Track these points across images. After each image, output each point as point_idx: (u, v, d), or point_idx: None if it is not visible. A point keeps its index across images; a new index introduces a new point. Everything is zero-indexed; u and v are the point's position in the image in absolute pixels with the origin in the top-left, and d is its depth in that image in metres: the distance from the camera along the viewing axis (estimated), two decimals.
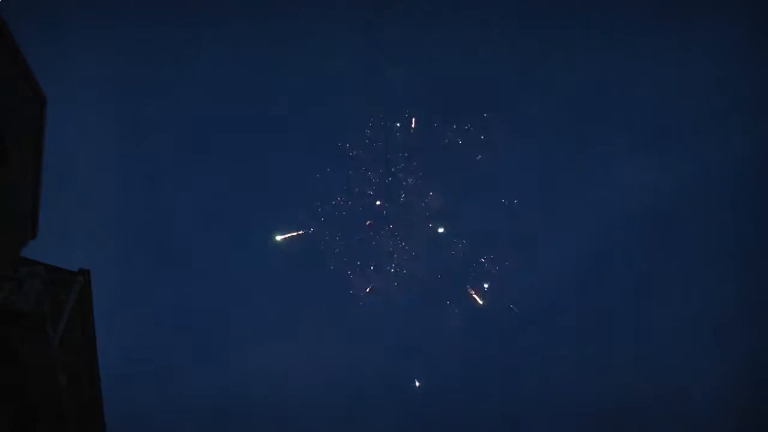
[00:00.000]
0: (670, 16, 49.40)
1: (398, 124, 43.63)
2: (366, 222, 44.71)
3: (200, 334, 54.60)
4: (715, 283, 52.21)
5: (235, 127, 54.70)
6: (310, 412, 52.99)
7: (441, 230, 45.33)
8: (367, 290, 45.23)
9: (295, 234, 45.47)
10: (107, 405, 15.25)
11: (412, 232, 45.77)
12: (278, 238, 47.09)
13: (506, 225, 51.95)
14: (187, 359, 53.30)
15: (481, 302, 45.54)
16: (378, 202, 44.54)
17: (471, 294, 45.54)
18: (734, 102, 50.37)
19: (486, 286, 45.76)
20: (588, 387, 52.07)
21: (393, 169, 44.90)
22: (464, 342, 54.97)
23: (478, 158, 45.34)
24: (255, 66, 53.50)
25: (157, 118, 53.49)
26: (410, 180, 44.61)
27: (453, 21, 50.55)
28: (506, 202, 50.90)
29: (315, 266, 48.91)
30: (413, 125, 42.80)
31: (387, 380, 53.97)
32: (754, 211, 51.28)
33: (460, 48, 51.59)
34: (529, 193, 54.44)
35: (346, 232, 45.07)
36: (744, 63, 49.36)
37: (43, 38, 40.23)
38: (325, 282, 50.00)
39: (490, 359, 56.04)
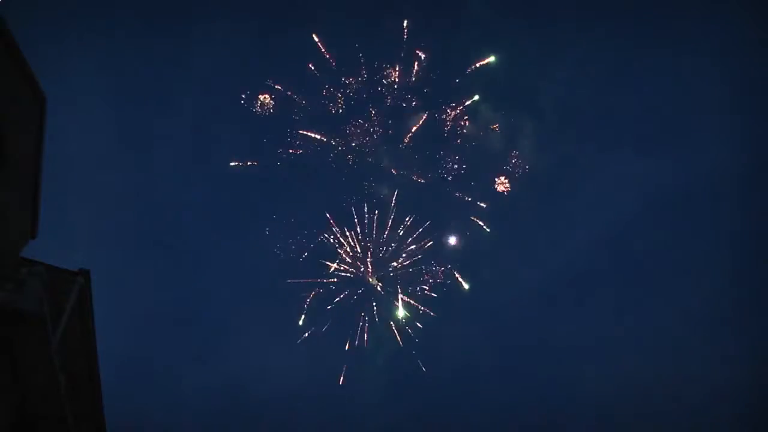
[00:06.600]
0: (673, 16, 49.38)
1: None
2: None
3: (200, 334, 54.63)
4: (718, 281, 52.05)
5: (234, 127, 54.58)
6: (309, 410, 53.09)
7: None
8: None
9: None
10: (107, 405, 15.25)
11: None
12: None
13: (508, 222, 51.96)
14: (187, 359, 53.33)
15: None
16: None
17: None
18: (735, 101, 50.31)
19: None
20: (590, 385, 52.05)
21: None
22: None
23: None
24: (252, 64, 53.34)
25: (157, 118, 53.46)
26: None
27: (455, 17, 50.25)
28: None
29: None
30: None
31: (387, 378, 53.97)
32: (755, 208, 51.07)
33: (459, 46, 51.41)
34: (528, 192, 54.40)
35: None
36: (745, 62, 49.28)
37: (43, 38, 40.21)
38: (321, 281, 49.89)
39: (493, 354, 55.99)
